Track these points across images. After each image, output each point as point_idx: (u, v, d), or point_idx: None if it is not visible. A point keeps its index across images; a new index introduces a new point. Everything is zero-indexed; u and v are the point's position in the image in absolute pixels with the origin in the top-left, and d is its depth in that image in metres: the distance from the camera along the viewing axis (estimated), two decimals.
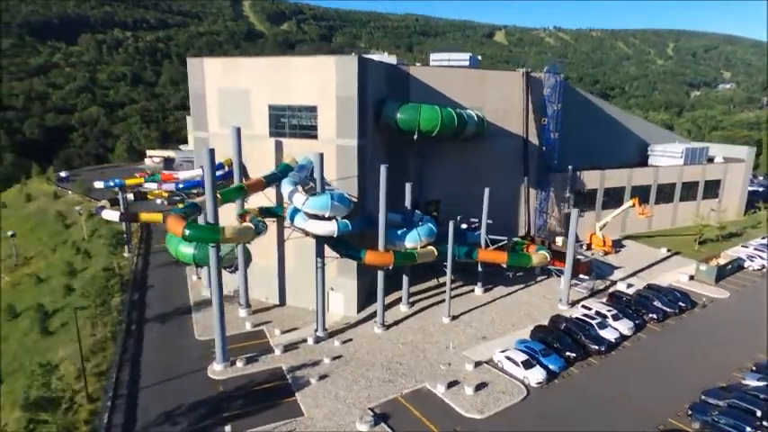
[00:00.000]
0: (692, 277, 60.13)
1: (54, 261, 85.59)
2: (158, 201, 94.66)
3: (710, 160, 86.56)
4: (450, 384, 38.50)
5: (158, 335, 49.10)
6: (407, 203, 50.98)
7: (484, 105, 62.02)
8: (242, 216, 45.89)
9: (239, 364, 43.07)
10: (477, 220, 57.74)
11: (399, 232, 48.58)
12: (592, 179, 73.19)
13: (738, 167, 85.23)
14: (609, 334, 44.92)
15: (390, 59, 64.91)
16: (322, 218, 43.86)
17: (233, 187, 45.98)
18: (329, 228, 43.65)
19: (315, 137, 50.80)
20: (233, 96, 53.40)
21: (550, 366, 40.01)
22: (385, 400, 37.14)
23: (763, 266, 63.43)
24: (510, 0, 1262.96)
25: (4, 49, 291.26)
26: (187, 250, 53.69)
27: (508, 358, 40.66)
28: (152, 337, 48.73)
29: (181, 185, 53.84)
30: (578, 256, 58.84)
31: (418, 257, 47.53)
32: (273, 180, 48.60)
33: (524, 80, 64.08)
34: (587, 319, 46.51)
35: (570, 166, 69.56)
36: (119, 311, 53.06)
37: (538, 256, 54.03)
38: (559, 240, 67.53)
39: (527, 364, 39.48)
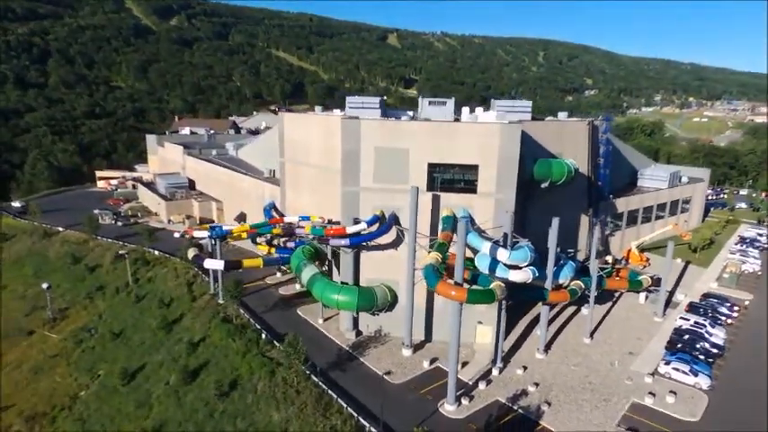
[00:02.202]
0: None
1: (99, 311, 79.40)
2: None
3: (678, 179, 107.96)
4: (651, 395, 48.85)
5: (354, 383, 52.07)
6: (550, 244, 59.92)
7: (563, 151, 72.98)
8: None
9: (464, 402, 48.95)
10: (572, 251, 68.96)
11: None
12: (620, 204, 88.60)
13: (701, 186, 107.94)
14: (717, 339, 58.84)
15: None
16: (517, 267, 51.21)
17: (440, 242, 51.01)
18: (525, 276, 50.95)
19: (473, 191, 57.43)
20: (391, 155, 57.58)
21: (704, 372, 52.29)
22: (619, 417, 46.29)
23: (755, 270, 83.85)
24: (397, 0, 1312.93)
25: None
26: (347, 299, 57.77)
27: (676, 369, 52.15)
28: (350, 388, 51.45)
29: (349, 241, 56.72)
30: (648, 275, 72.58)
31: (579, 292, 57.15)
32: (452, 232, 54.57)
33: (589, 128, 76.48)
34: (697, 330, 59.99)
35: (611, 195, 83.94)
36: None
37: (646, 280, 67.11)
38: (609, 259, 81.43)
39: (694, 373, 51.33)
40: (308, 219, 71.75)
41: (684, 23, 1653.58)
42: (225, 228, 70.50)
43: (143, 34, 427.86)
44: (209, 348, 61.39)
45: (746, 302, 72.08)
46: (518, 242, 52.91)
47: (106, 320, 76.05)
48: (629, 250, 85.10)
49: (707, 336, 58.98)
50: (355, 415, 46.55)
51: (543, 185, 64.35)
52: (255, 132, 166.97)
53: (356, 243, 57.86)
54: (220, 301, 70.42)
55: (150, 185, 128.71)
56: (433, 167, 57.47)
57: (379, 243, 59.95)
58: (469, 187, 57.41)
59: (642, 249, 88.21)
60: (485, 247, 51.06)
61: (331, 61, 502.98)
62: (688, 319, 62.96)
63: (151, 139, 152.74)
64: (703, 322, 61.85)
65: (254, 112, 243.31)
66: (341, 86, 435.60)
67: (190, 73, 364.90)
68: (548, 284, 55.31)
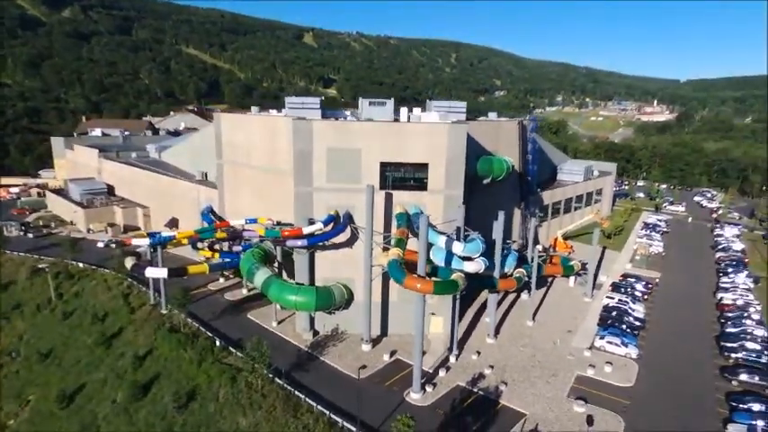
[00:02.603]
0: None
1: (20, 332, 72.26)
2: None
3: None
4: (592, 367, 54.17)
5: (319, 382, 52.36)
6: (497, 236, 63.85)
7: (499, 149, 77.79)
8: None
9: (429, 389, 51.16)
10: (509, 241, 73.87)
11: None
12: (546, 197, 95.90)
13: (610, 178, 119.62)
14: (638, 313, 66.18)
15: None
16: (470, 259, 54.27)
17: (398, 238, 52.49)
18: (478, 266, 54.16)
19: (424, 188, 59.79)
20: (343, 155, 58.34)
21: (632, 343, 58.79)
22: (568, 389, 50.87)
23: (660, 251, 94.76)
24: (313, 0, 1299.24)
25: None
26: (306, 300, 57.91)
27: (609, 342, 58.13)
28: (316, 387, 51.61)
29: (306, 241, 56.30)
30: (577, 260, 79.46)
31: (523, 279, 61.54)
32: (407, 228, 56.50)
33: (519, 127, 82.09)
34: (622, 306, 67.02)
35: (539, 189, 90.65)
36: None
37: (577, 265, 73.33)
38: (540, 248, 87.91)
39: (624, 344, 57.56)
40: (254, 221, 70.41)
41: (579, 28, 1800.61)
42: (167, 234, 67.13)
43: (31, 26, 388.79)
44: (159, 361, 58.45)
45: (657, 280, 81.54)
46: (469, 235, 56.07)
47: (29, 341, 69.44)
48: (556, 239, 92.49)
49: (630, 311, 66.18)
50: (327, 412, 46.98)
51: (485, 182, 68.38)
52: (176, 133, 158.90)
53: (313, 243, 57.97)
54: (163, 311, 67.07)
55: (61, 192, 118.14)
56: (385, 166, 58.94)
57: (335, 242, 60.50)
58: (420, 185, 59.62)
59: (565, 237, 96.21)
60: (440, 241, 53.58)
61: (246, 60, 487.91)
62: (613, 298, 70.12)
63: (57, 142, 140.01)
64: (626, 299, 69.24)
65: (172, 113, 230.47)
66: (259, 86, 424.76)
67: (90, 69, 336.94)
68: (496, 273, 59.15)
